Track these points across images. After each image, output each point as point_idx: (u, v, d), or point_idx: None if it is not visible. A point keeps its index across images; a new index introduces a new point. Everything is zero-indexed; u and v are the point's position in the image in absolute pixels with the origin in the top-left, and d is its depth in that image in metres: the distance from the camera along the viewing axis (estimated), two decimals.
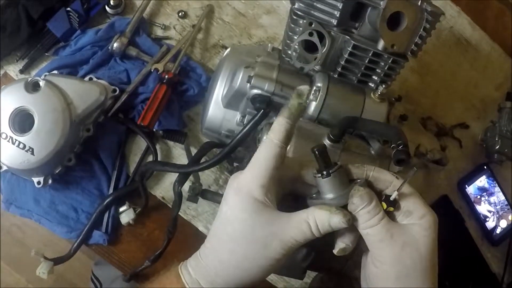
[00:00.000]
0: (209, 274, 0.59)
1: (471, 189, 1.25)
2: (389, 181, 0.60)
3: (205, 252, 0.60)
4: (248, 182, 0.59)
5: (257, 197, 0.58)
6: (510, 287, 1.24)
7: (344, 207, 0.57)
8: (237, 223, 0.58)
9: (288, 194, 0.63)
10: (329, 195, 0.59)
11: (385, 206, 0.59)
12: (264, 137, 0.61)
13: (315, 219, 0.56)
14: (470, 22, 1.33)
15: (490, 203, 1.26)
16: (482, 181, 1.26)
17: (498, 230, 1.26)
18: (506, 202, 1.27)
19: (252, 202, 0.57)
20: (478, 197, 1.26)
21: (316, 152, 0.59)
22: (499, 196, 1.27)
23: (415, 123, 1.22)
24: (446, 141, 1.25)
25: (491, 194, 1.26)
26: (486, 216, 1.25)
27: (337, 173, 0.59)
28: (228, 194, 0.60)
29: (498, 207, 1.26)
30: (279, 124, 0.60)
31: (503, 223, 1.26)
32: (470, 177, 1.27)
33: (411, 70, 1.25)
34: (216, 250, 0.60)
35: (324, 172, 0.59)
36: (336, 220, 0.55)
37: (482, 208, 1.25)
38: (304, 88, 0.60)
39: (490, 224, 1.26)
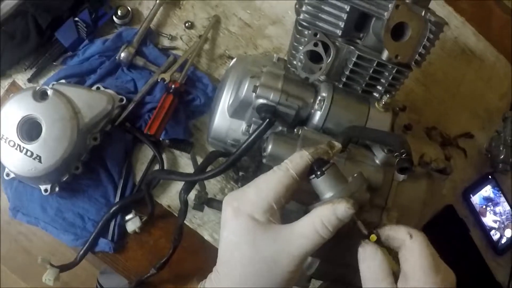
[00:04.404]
0: None
1: (476, 199, 1.25)
2: (402, 239, 0.58)
3: (218, 278, 0.59)
4: (250, 205, 0.57)
5: (258, 219, 0.57)
6: None
7: None
8: (242, 246, 0.57)
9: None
10: (328, 194, 0.58)
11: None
12: (281, 164, 0.60)
13: (320, 218, 0.55)
14: (475, 33, 1.34)
15: (495, 213, 1.26)
16: (488, 191, 1.26)
17: (503, 240, 1.26)
18: (511, 212, 1.26)
19: (254, 224, 0.56)
20: (484, 207, 1.25)
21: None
22: (504, 206, 1.26)
23: (419, 133, 1.22)
24: (450, 151, 1.25)
25: (496, 204, 1.26)
26: (492, 227, 1.25)
27: (330, 170, 0.58)
28: (227, 216, 0.58)
29: (503, 217, 1.26)
30: (301, 157, 0.59)
31: (508, 233, 1.26)
32: (475, 187, 1.26)
33: (416, 80, 1.26)
34: (227, 276, 0.59)
35: (318, 172, 0.59)
36: (342, 209, 0.54)
37: (488, 219, 1.25)
38: (338, 145, 0.62)
39: (495, 234, 1.25)
